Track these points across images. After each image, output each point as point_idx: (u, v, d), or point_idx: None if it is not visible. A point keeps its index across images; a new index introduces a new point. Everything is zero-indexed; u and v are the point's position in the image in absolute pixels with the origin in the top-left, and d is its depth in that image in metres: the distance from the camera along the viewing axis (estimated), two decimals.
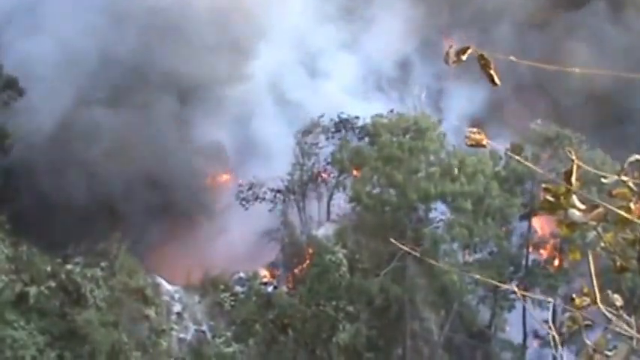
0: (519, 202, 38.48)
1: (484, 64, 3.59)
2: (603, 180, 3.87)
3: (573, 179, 3.75)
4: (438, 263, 37.36)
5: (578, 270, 36.97)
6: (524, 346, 39.97)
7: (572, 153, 3.81)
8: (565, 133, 39.11)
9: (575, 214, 3.74)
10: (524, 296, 37.87)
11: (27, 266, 33.36)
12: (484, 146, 3.41)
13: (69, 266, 33.61)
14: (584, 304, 4.15)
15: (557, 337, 4.51)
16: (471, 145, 3.44)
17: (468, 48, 3.59)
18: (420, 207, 38.54)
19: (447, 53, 3.63)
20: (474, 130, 3.42)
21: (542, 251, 39.90)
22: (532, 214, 38.60)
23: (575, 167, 3.75)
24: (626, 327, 4.04)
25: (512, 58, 3.72)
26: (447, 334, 38.33)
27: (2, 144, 38.28)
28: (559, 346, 4.54)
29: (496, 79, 3.61)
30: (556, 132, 39.30)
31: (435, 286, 37.83)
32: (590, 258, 4.19)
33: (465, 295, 38.83)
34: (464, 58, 3.60)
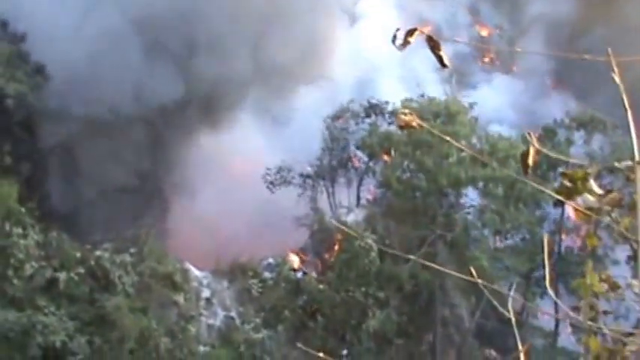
0: (552, 187, 37.99)
1: (433, 46, 3.37)
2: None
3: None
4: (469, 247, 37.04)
5: (612, 257, 36.47)
6: (555, 332, 39.58)
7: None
8: (599, 117, 38.50)
9: (589, 198, 3.66)
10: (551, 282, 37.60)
11: (57, 252, 33.57)
12: None
13: (98, 252, 33.75)
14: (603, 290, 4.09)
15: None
16: None
17: (415, 30, 3.36)
18: (451, 192, 38.20)
19: (395, 35, 3.42)
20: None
21: (575, 238, 39.37)
22: None
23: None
24: None
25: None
26: (478, 321, 38.00)
27: (34, 130, 38.38)
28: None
29: (446, 61, 3.39)
30: (590, 116, 38.74)
31: (466, 273, 37.48)
32: None
33: (496, 282, 38.45)
34: (412, 40, 3.38)
